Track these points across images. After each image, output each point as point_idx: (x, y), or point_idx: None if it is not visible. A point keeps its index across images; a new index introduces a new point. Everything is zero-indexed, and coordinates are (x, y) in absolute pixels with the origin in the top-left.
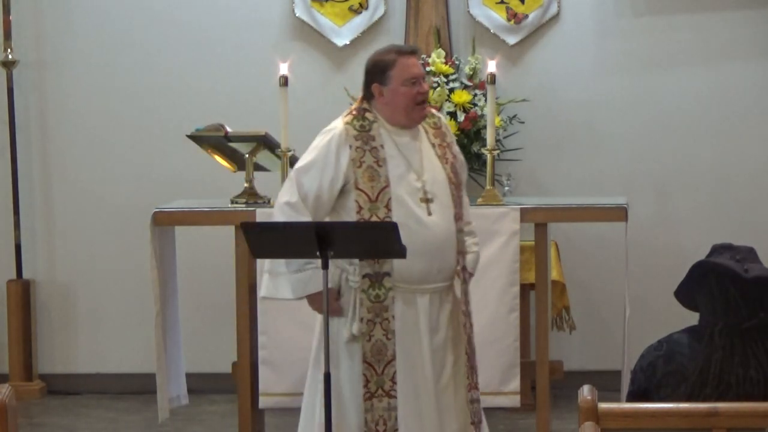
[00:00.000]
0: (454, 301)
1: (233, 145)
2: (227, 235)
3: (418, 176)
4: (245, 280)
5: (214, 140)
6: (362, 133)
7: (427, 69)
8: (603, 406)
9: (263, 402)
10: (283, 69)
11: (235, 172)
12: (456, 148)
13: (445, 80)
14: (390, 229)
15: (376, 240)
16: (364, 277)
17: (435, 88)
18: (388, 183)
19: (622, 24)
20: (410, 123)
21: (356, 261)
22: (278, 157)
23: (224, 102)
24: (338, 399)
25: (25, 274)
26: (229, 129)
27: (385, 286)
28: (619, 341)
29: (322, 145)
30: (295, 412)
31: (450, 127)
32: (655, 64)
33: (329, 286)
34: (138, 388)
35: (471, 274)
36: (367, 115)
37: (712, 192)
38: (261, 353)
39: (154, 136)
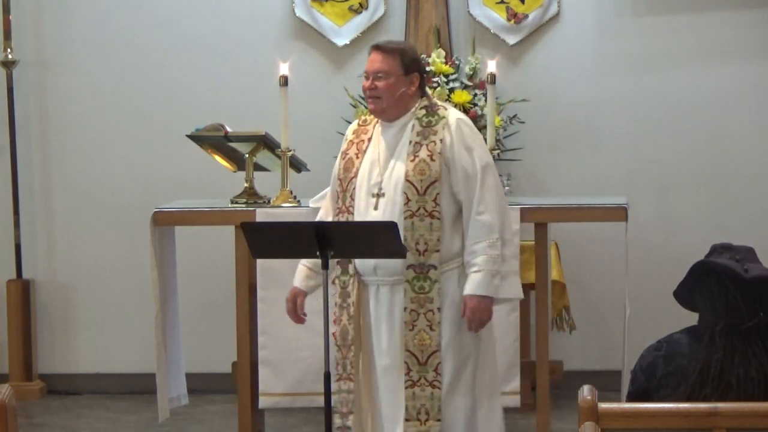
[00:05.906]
0: (411, 297)
1: (233, 145)
2: (227, 235)
3: (380, 171)
4: (245, 280)
5: (214, 140)
6: (361, 127)
7: (428, 69)
8: (603, 406)
9: (263, 402)
10: (283, 69)
11: (235, 172)
12: (457, 151)
13: (445, 80)
14: (390, 229)
15: (376, 240)
16: (337, 263)
17: (435, 88)
18: (356, 174)
19: (622, 24)
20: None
21: None
22: (278, 157)
23: (224, 102)
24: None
25: (25, 274)
26: (229, 129)
27: (348, 273)
28: (619, 341)
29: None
30: (295, 412)
31: (463, 128)
32: (655, 64)
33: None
34: (138, 388)
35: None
36: None
37: (712, 192)
38: (261, 353)
39: (154, 136)
